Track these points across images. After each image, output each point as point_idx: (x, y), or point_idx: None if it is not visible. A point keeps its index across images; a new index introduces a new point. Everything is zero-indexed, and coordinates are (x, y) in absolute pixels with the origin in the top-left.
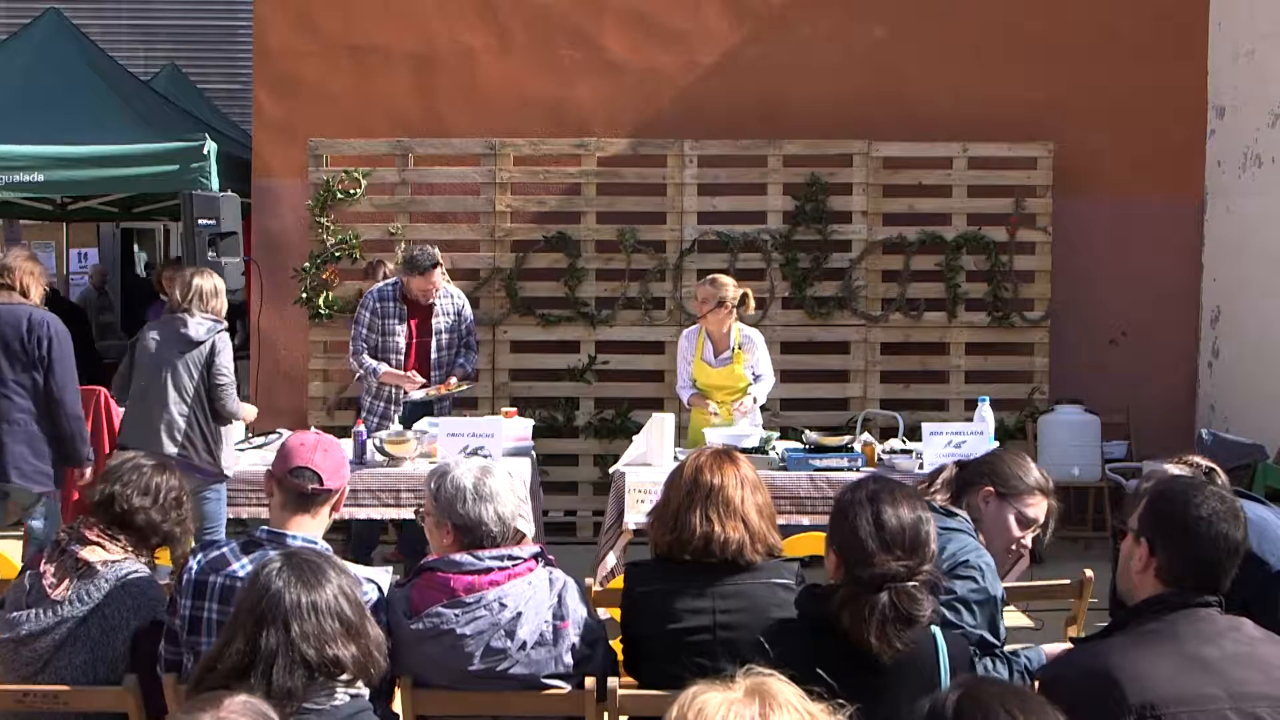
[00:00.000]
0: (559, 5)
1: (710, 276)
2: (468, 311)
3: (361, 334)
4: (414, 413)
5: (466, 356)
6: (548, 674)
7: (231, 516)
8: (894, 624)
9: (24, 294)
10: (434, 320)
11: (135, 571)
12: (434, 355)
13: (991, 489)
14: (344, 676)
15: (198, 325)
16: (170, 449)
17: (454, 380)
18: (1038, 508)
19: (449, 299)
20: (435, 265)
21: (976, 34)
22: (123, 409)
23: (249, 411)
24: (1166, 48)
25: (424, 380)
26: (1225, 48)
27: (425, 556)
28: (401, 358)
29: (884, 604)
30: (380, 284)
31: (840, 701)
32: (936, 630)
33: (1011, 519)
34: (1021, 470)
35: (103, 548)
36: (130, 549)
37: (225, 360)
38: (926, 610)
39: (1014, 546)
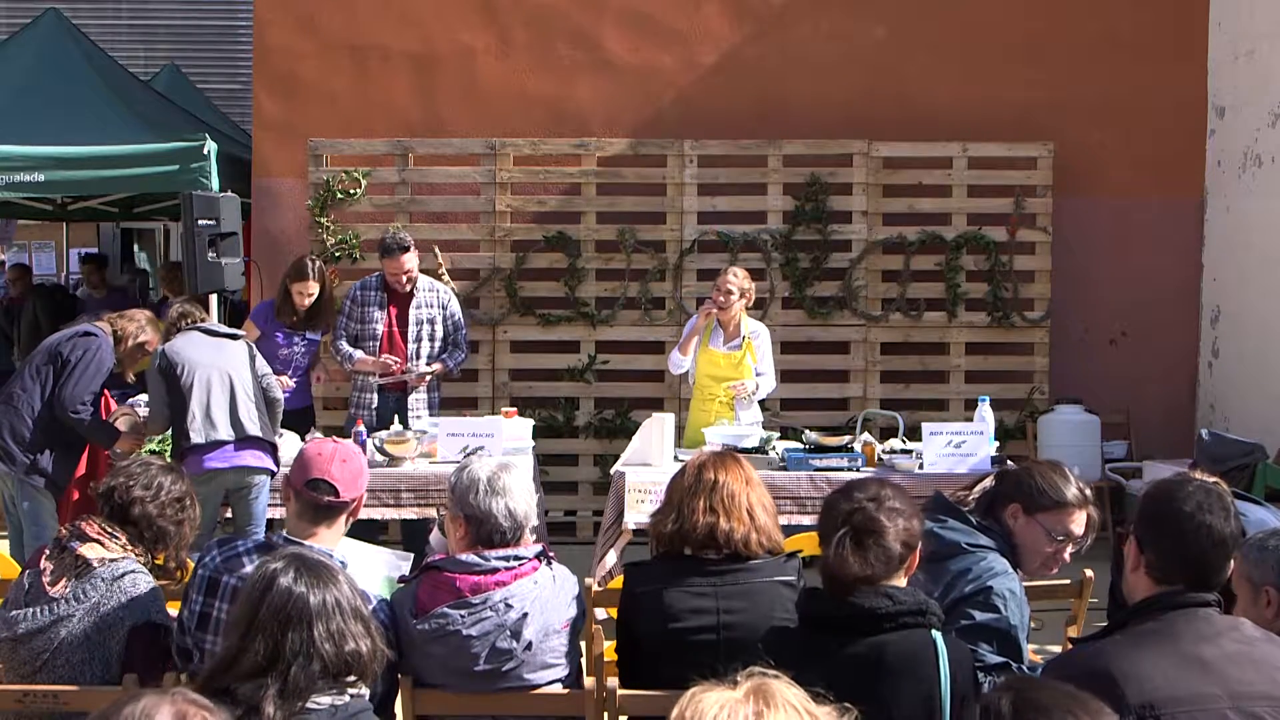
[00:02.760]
0: (559, 5)
1: (730, 270)
2: (455, 308)
3: (342, 323)
4: (398, 407)
5: (452, 354)
6: (551, 676)
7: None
8: (858, 541)
9: (117, 341)
10: (412, 312)
11: (132, 570)
12: (411, 346)
13: (1019, 505)
14: (351, 677)
15: (224, 328)
16: (253, 430)
17: (424, 366)
18: (1074, 522)
19: (433, 293)
20: (404, 250)
21: (976, 34)
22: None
23: None
24: (1166, 48)
25: (395, 362)
26: (1225, 48)
27: (425, 556)
28: (378, 344)
29: (847, 531)
30: (366, 277)
31: (847, 706)
32: (937, 635)
33: (1042, 535)
34: (1049, 485)
35: (101, 545)
36: (128, 547)
37: (260, 357)
38: (885, 529)
39: (1054, 564)
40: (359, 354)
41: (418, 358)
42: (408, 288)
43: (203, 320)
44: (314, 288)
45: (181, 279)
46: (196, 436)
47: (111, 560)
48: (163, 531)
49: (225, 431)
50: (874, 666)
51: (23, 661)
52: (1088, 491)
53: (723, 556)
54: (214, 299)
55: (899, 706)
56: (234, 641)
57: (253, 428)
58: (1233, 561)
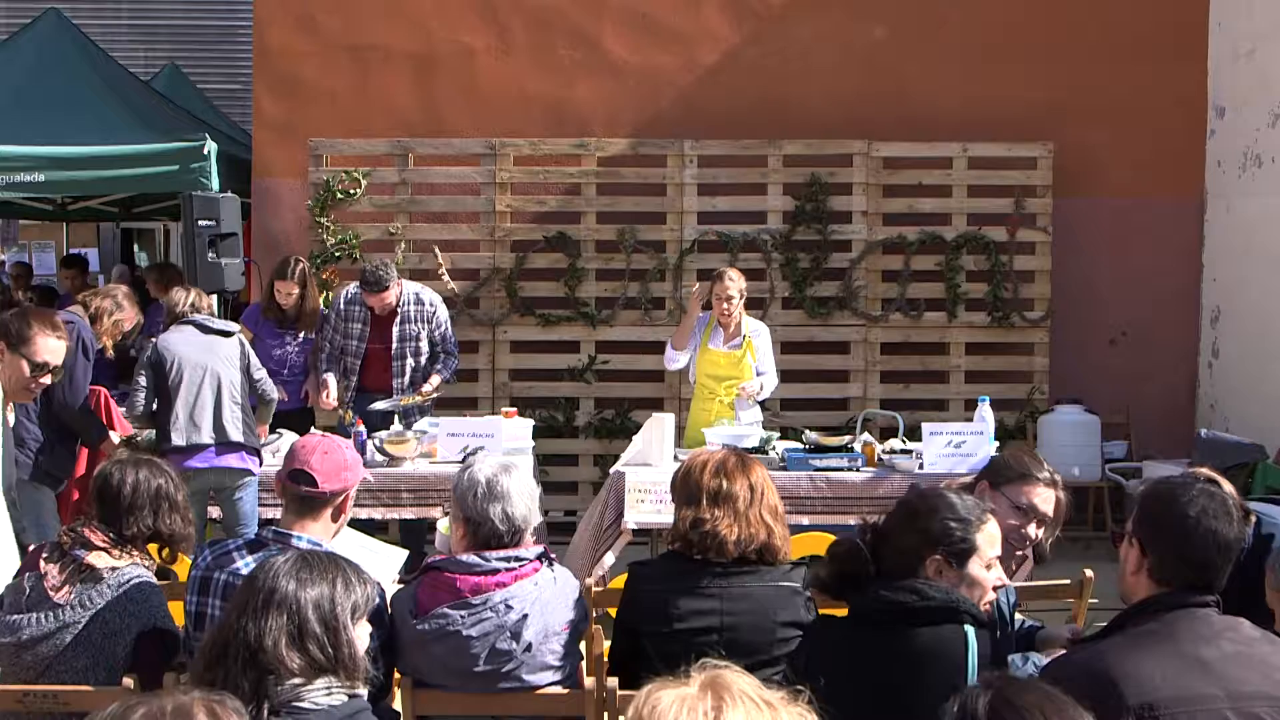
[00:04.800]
0: (559, 5)
1: (722, 272)
2: (442, 316)
3: (327, 334)
4: (373, 421)
5: (445, 363)
6: (550, 678)
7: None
8: None
9: (93, 319)
10: (395, 329)
11: (138, 577)
12: (395, 363)
13: (986, 481)
14: (293, 680)
15: (219, 321)
16: (236, 436)
17: (426, 388)
18: (1036, 495)
19: (419, 307)
20: (382, 289)
21: (976, 34)
22: (136, 421)
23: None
24: (1166, 48)
25: (334, 407)
26: (1225, 48)
27: (425, 556)
28: (358, 361)
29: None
30: (349, 288)
31: (800, 688)
32: (970, 630)
33: (1006, 507)
34: (1016, 460)
35: (108, 553)
36: (133, 553)
37: (253, 353)
38: None
39: (1019, 542)
40: (330, 381)
41: (403, 374)
42: (386, 313)
43: (203, 310)
44: (294, 288)
45: (171, 280)
46: (178, 439)
47: (118, 568)
48: (161, 533)
49: (207, 435)
50: (903, 658)
51: (26, 667)
52: (1057, 476)
53: (732, 560)
54: (214, 299)
55: (925, 697)
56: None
57: (235, 433)
58: (1268, 576)
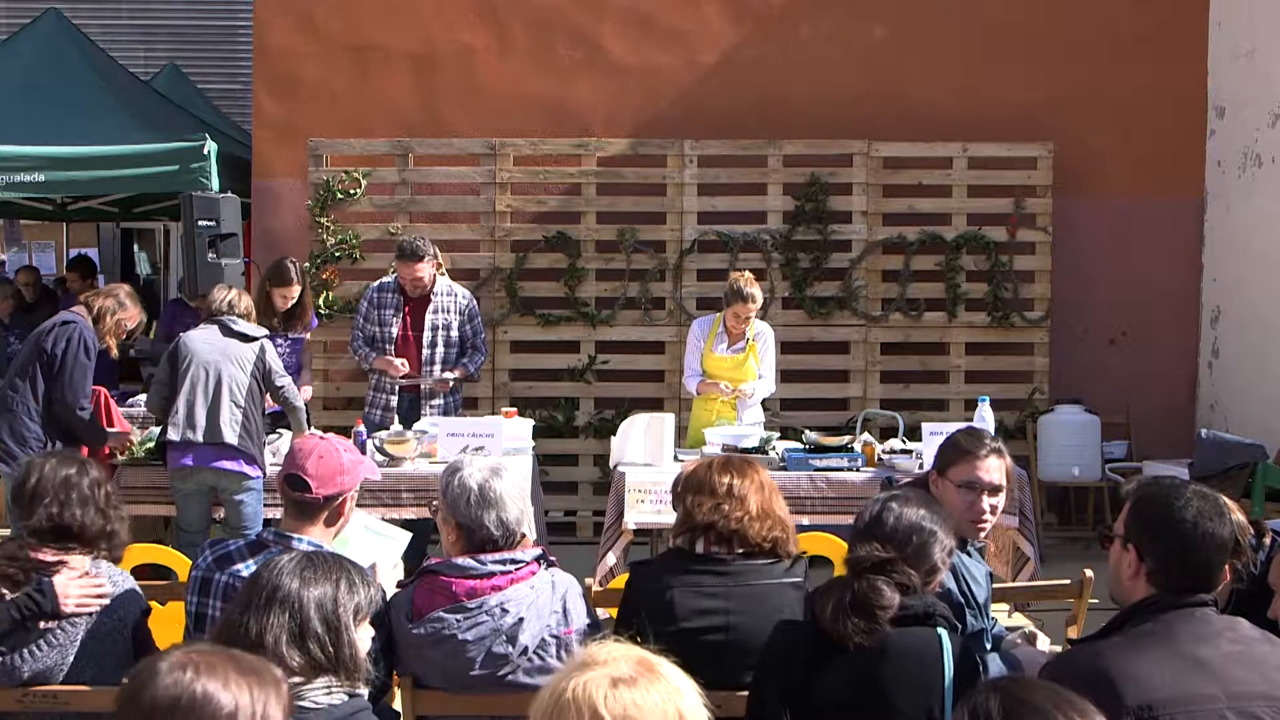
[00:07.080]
0: (559, 5)
1: (743, 289)
2: (475, 310)
3: (359, 324)
4: (412, 409)
5: (471, 358)
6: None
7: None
8: (850, 611)
9: (96, 319)
10: (428, 316)
11: (105, 572)
12: (425, 351)
13: (934, 471)
14: (293, 679)
15: (246, 325)
16: (231, 439)
17: (448, 376)
18: (981, 469)
19: (452, 298)
20: (418, 258)
21: (976, 34)
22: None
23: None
24: (1166, 48)
25: (408, 370)
26: (1225, 48)
27: (426, 557)
28: (392, 347)
29: (847, 590)
30: (384, 278)
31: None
32: (943, 633)
33: (953, 490)
34: (952, 442)
35: (66, 565)
36: (87, 554)
37: (277, 360)
38: (888, 605)
39: (976, 517)
40: (375, 354)
41: (432, 363)
42: (417, 293)
43: (241, 313)
44: (294, 291)
45: None
46: (173, 434)
47: (88, 573)
48: (69, 526)
49: (201, 434)
50: (878, 662)
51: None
52: (999, 444)
53: (735, 555)
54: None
55: (902, 702)
56: None
57: (230, 435)
58: (1276, 558)
